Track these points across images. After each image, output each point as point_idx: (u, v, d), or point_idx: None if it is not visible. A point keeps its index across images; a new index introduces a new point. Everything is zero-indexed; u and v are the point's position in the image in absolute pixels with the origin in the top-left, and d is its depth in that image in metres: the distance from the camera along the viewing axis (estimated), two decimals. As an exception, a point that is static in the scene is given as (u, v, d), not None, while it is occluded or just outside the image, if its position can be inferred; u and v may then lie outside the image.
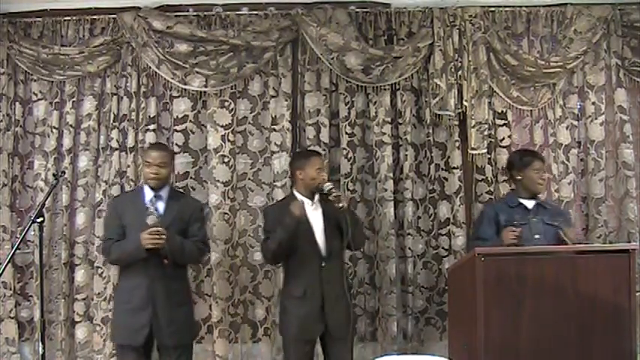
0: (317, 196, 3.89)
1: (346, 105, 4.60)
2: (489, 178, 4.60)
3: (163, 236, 3.58)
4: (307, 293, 3.77)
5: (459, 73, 4.54)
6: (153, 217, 3.63)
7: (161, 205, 3.79)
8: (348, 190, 4.55)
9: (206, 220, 4.05)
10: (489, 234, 3.97)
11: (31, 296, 4.61)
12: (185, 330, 3.82)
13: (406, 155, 4.58)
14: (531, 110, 4.65)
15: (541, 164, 4.01)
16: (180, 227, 3.79)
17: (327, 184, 3.82)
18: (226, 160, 4.60)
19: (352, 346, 3.98)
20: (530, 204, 3.99)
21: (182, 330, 3.77)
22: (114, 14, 4.58)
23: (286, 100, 4.61)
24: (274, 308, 4.52)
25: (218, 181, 4.57)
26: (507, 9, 4.65)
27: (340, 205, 3.70)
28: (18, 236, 4.35)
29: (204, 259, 4.16)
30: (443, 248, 4.60)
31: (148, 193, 3.81)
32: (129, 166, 4.54)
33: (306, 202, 3.87)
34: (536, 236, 3.88)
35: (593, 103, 4.63)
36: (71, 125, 4.60)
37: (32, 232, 4.07)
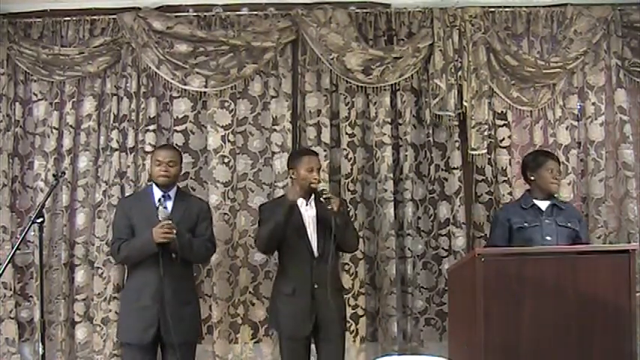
0: (312, 197, 3.90)
1: (346, 105, 4.61)
2: (489, 179, 4.60)
3: (174, 230, 3.62)
4: (296, 291, 3.79)
5: (459, 73, 4.54)
6: (164, 211, 3.66)
7: (169, 205, 3.83)
8: (349, 190, 4.55)
9: (212, 219, 4.09)
10: (501, 240, 3.97)
11: (31, 297, 4.61)
12: (192, 328, 3.87)
13: (406, 156, 4.58)
14: (531, 111, 4.65)
15: (555, 164, 4.00)
16: (188, 226, 3.83)
17: (321, 185, 3.86)
18: (226, 160, 4.60)
19: (344, 345, 3.97)
20: (544, 205, 3.98)
21: (189, 328, 3.81)
22: (114, 15, 4.59)
23: (286, 101, 4.61)
24: (273, 308, 4.53)
25: (218, 181, 4.57)
26: (507, 9, 4.65)
27: (330, 207, 3.72)
28: (18, 237, 4.36)
29: (210, 257, 4.18)
30: (443, 249, 4.60)
31: (157, 193, 3.85)
32: (129, 167, 4.54)
33: (300, 201, 3.88)
34: (548, 238, 3.88)
35: (593, 104, 4.63)
36: (71, 126, 4.60)
37: (32, 233, 4.07)
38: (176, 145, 4.61)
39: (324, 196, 3.76)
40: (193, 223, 3.85)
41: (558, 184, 4.03)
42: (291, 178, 3.99)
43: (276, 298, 3.93)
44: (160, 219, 3.65)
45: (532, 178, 4.04)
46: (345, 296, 4.24)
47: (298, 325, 3.79)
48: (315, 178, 3.86)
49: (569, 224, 3.93)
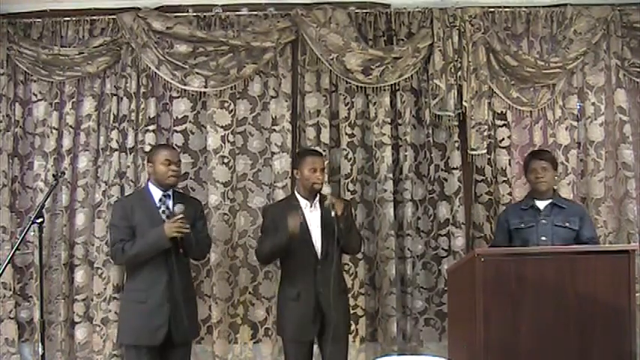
0: (317, 198, 3.87)
1: (346, 106, 4.61)
2: (489, 179, 4.60)
3: (187, 225, 3.62)
4: (301, 295, 3.77)
5: (459, 73, 4.54)
6: (180, 206, 3.65)
7: (170, 204, 3.81)
8: (348, 190, 4.55)
9: (206, 218, 4.15)
10: (501, 242, 4.01)
11: (30, 297, 4.61)
12: (195, 326, 3.93)
13: (406, 156, 4.58)
14: (531, 111, 4.65)
15: (538, 162, 4.00)
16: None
17: (325, 189, 3.81)
18: (226, 160, 4.60)
19: (347, 347, 3.97)
20: (542, 204, 3.99)
21: (193, 326, 3.86)
22: (114, 15, 4.59)
23: (286, 101, 4.62)
24: (274, 309, 4.52)
25: (218, 181, 4.57)
26: (507, 9, 4.65)
27: (333, 213, 3.68)
28: (18, 237, 4.36)
29: (207, 255, 4.19)
30: (442, 249, 4.60)
31: (156, 193, 3.82)
32: (129, 167, 4.54)
33: (305, 203, 3.87)
34: (543, 238, 3.90)
35: (593, 104, 4.63)
36: (71, 126, 4.61)
37: (32, 233, 4.05)
38: (175, 145, 4.62)
39: (326, 201, 3.74)
40: (192, 221, 3.82)
41: (545, 181, 3.98)
42: (296, 178, 4.01)
43: (282, 303, 3.90)
44: (175, 213, 3.64)
45: (526, 180, 4.16)
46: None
47: (303, 329, 3.78)
48: (319, 179, 3.83)
49: (567, 224, 3.92)
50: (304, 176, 3.84)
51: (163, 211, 3.77)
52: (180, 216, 3.61)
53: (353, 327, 4.43)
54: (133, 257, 3.73)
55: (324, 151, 4.52)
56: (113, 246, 3.82)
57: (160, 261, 3.66)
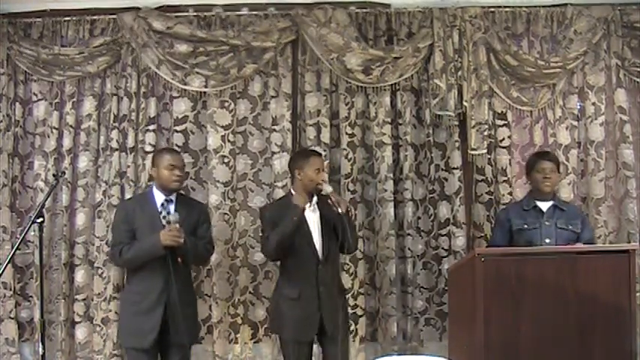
0: (315, 198, 3.85)
1: (346, 105, 4.61)
2: (489, 179, 4.60)
3: (182, 235, 3.61)
4: (302, 295, 3.75)
5: (459, 73, 4.54)
6: (175, 215, 3.67)
7: (172, 208, 3.80)
8: (349, 190, 4.55)
9: (210, 221, 4.11)
10: (501, 241, 3.99)
11: (31, 296, 4.61)
12: (193, 329, 3.89)
13: (406, 156, 4.58)
14: (531, 111, 4.65)
15: (546, 163, 4.00)
16: (190, 229, 3.79)
17: (328, 187, 3.78)
18: (226, 160, 4.60)
19: (348, 346, 3.97)
20: (545, 206, 3.99)
21: (191, 329, 3.83)
22: (114, 14, 4.59)
23: (286, 101, 4.62)
24: (274, 308, 4.53)
25: (218, 181, 4.57)
26: (507, 9, 4.65)
27: (339, 210, 3.67)
28: (18, 236, 4.35)
29: (209, 259, 4.14)
30: (443, 249, 4.60)
31: (159, 197, 3.82)
32: (129, 167, 4.54)
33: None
34: (547, 240, 3.90)
35: (593, 104, 4.63)
36: (71, 126, 4.60)
37: (32, 233, 4.06)
38: (176, 145, 4.62)
39: (332, 199, 3.71)
40: (194, 226, 3.85)
41: (550, 183, 4.01)
42: (295, 178, 3.87)
43: (280, 302, 3.86)
44: (170, 222, 3.64)
45: (529, 180, 4.13)
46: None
47: (305, 329, 3.77)
48: (323, 180, 3.82)
49: (570, 227, 3.94)
50: (308, 177, 3.78)
51: (164, 217, 3.76)
52: (176, 226, 3.61)
53: (353, 327, 4.44)
54: (129, 261, 3.78)
55: (325, 150, 4.52)
56: (112, 248, 3.86)
57: (157, 265, 3.66)
